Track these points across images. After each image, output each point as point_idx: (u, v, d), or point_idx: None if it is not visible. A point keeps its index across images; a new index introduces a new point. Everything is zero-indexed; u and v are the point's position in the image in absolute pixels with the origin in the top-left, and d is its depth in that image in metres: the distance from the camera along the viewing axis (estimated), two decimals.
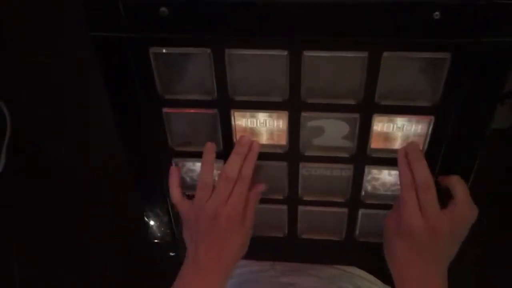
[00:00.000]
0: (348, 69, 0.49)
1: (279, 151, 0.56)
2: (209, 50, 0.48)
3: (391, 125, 0.53)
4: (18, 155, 1.22)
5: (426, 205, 0.49)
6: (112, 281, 1.35)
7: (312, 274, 0.69)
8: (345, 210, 0.61)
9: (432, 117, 0.51)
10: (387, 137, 0.54)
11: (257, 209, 0.62)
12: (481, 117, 0.50)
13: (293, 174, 0.58)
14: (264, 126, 0.54)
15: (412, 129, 0.53)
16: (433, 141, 0.52)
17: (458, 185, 0.52)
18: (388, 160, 0.55)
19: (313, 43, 0.46)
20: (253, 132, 0.55)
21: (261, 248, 0.67)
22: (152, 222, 0.68)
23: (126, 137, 0.57)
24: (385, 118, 0.52)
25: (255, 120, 0.54)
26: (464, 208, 0.51)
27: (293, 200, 0.61)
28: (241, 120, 0.54)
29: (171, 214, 0.65)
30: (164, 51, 0.49)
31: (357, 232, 0.63)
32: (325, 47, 0.47)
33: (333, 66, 0.49)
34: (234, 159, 0.54)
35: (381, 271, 0.72)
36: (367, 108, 0.50)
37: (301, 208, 0.62)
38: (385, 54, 0.46)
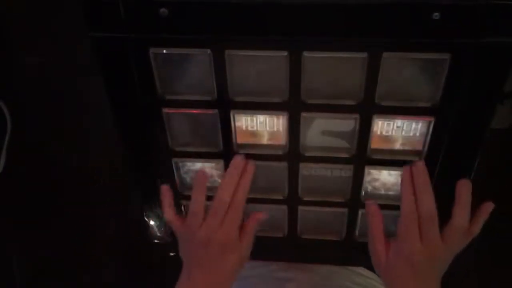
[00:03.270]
0: (348, 70, 0.49)
1: (279, 152, 0.56)
2: (209, 51, 0.48)
3: (391, 124, 0.53)
4: (18, 155, 1.22)
5: (428, 235, 0.50)
6: (112, 281, 1.36)
7: (311, 270, 0.69)
8: (345, 210, 0.61)
9: (432, 118, 0.51)
10: (386, 138, 0.54)
11: (257, 208, 0.62)
12: (481, 117, 0.50)
13: (293, 174, 0.58)
14: (264, 126, 0.54)
15: (412, 129, 0.53)
16: (433, 141, 0.52)
17: (459, 208, 0.50)
18: (388, 160, 0.55)
19: (313, 43, 0.46)
20: (253, 132, 0.55)
21: (261, 248, 0.67)
22: (152, 222, 0.68)
23: (126, 137, 0.57)
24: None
25: (255, 119, 0.54)
26: (460, 233, 0.51)
27: (293, 200, 0.61)
28: (241, 121, 0.54)
29: None
30: (164, 51, 0.49)
31: (357, 232, 0.63)
32: (325, 47, 0.47)
33: (333, 67, 0.49)
34: (228, 182, 0.53)
35: None
36: (367, 108, 0.50)
37: (301, 208, 0.62)
38: (385, 54, 0.46)
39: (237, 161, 0.54)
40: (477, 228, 0.51)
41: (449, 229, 0.50)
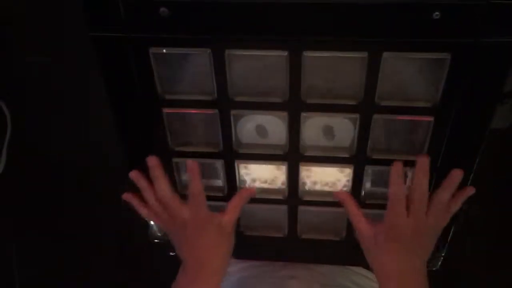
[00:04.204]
0: (348, 69, 0.49)
1: (279, 151, 0.56)
2: (209, 50, 0.48)
3: None
4: (18, 155, 1.22)
5: (416, 209, 0.53)
6: (112, 281, 1.36)
7: (312, 268, 0.69)
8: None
9: (432, 118, 0.51)
10: None
11: (257, 209, 0.62)
12: (481, 117, 0.50)
13: (293, 174, 0.58)
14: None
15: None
16: (433, 141, 0.52)
17: (443, 186, 0.53)
18: (388, 160, 0.55)
19: (313, 43, 0.46)
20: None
21: (261, 248, 0.67)
22: (152, 222, 0.68)
23: (126, 137, 0.57)
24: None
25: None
26: (440, 207, 0.54)
27: (293, 200, 0.61)
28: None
29: None
30: (164, 51, 0.49)
31: (357, 232, 0.63)
32: (325, 47, 0.47)
33: (333, 66, 0.49)
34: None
35: None
36: (367, 108, 0.50)
37: (301, 208, 0.62)
38: (385, 54, 0.46)
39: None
40: (454, 205, 0.54)
41: (430, 203, 0.53)
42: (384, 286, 0.54)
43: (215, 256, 0.58)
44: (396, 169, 0.52)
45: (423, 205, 0.53)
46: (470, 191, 0.55)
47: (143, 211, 0.59)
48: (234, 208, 0.58)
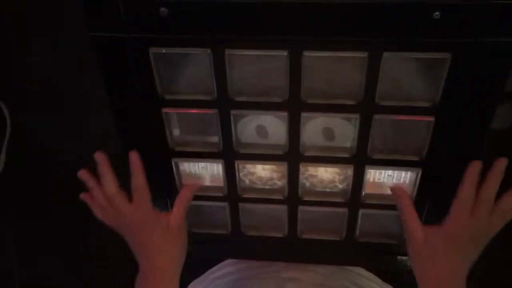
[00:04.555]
0: (348, 69, 0.49)
1: (279, 151, 0.56)
2: (209, 50, 0.48)
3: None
4: (18, 155, 1.22)
5: (481, 210, 0.52)
6: (112, 281, 1.35)
7: (312, 270, 0.69)
8: (345, 210, 0.61)
9: (432, 118, 0.51)
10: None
11: (257, 208, 0.62)
12: (481, 117, 0.50)
13: (293, 174, 0.58)
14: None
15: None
16: (433, 142, 0.52)
17: (488, 183, 0.52)
18: (388, 161, 0.55)
19: (313, 43, 0.46)
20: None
21: (261, 248, 0.67)
22: None
23: (126, 137, 0.57)
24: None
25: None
26: (488, 207, 0.53)
27: (293, 200, 0.61)
28: None
29: None
30: (164, 51, 0.49)
31: (357, 232, 0.63)
32: (325, 47, 0.47)
33: (333, 66, 0.49)
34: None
35: (380, 271, 0.72)
36: (367, 108, 0.50)
37: (301, 208, 0.62)
38: (385, 54, 0.46)
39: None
40: (504, 204, 0.53)
41: (494, 205, 0.52)
42: None
43: (166, 259, 0.57)
44: (474, 169, 0.51)
45: (490, 205, 0.52)
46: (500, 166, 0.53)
47: (95, 210, 0.59)
48: (179, 207, 0.58)
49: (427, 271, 0.54)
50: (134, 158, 0.55)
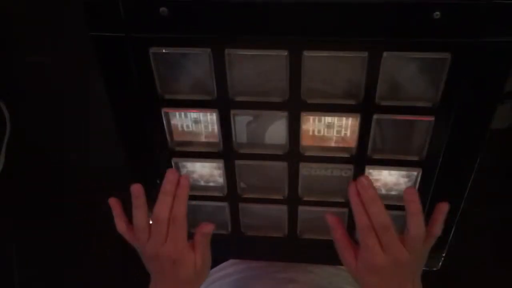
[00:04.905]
0: (348, 69, 0.49)
1: (279, 151, 0.56)
2: (209, 50, 0.48)
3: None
4: (18, 155, 1.22)
5: (387, 243, 0.50)
6: (112, 281, 1.36)
7: (311, 271, 0.69)
8: (345, 210, 0.61)
9: (432, 118, 0.51)
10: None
11: (257, 208, 0.62)
12: (481, 117, 0.50)
13: (293, 174, 0.58)
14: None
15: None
16: (433, 141, 0.52)
17: (410, 217, 0.50)
18: (388, 160, 0.55)
19: (313, 43, 0.46)
20: None
21: (261, 248, 0.67)
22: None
23: (126, 137, 0.57)
24: None
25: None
26: (419, 241, 0.50)
27: (293, 200, 0.61)
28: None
29: None
30: (164, 51, 0.49)
31: (357, 232, 0.63)
32: (325, 47, 0.47)
33: (333, 66, 0.49)
34: (163, 199, 0.53)
35: None
36: (367, 108, 0.50)
37: (301, 208, 0.62)
38: (385, 54, 0.46)
39: (170, 176, 0.53)
40: (436, 229, 0.52)
41: (408, 239, 0.50)
42: None
43: None
44: (354, 198, 0.50)
45: (390, 232, 0.50)
46: (445, 207, 0.52)
47: (119, 224, 0.57)
48: (200, 245, 0.56)
49: None
50: (181, 185, 0.53)
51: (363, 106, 0.50)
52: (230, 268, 0.73)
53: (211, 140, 0.56)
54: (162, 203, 0.53)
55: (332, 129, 0.54)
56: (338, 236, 0.54)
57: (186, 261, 0.55)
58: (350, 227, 0.63)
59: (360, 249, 0.52)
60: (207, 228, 0.57)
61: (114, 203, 0.57)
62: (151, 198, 0.63)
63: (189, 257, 0.55)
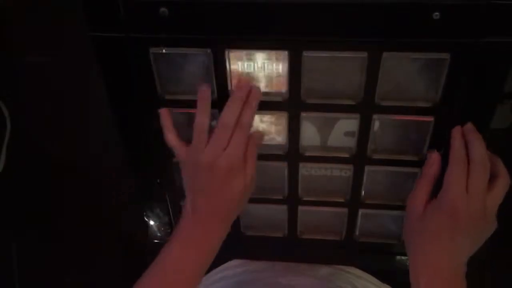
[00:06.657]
0: (348, 69, 0.49)
1: (279, 151, 0.56)
2: (209, 50, 0.48)
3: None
4: (18, 155, 1.22)
5: (477, 182, 0.48)
6: (112, 281, 1.35)
7: (310, 275, 0.69)
8: (345, 210, 0.61)
9: (432, 118, 0.51)
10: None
11: (257, 208, 0.62)
12: (481, 117, 0.50)
13: (293, 174, 0.58)
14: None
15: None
16: (433, 141, 0.52)
17: (499, 164, 0.49)
18: (388, 160, 0.55)
19: (313, 43, 0.46)
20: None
21: (261, 248, 0.67)
22: (152, 222, 0.68)
23: (126, 137, 0.57)
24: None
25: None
26: (504, 189, 0.49)
27: (293, 200, 0.61)
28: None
29: (171, 214, 0.65)
30: (164, 51, 0.49)
31: (357, 232, 0.63)
32: (325, 47, 0.47)
33: (333, 66, 0.49)
34: (232, 105, 0.49)
35: (380, 271, 0.72)
36: (367, 108, 0.50)
37: (301, 208, 0.62)
38: (385, 54, 0.46)
39: (242, 83, 0.51)
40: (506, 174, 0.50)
41: (493, 183, 0.48)
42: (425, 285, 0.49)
43: (234, 208, 0.53)
44: (456, 134, 0.49)
45: (485, 171, 0.47)
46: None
47: (169, 137, 0.53)
48: (253, 156, 0.52)
49: (421, 249, 0.50)
50: (253, 93, 0.50)
51: (363, 106, 0.50)
52: (227, 271, 0.73)
53: None
54: (230, 108, 0.50)
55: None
56: (430, 171, 0.51)
57: (239, 174, 0.51)
58: (350, 227, 0.63)
59: (440, 192, 0.49)
60: (259, 135, 0.54)
61: (165, 114, 0.53)
62: (151, 198, 0.63)
63: (242, 171, 0.51)
